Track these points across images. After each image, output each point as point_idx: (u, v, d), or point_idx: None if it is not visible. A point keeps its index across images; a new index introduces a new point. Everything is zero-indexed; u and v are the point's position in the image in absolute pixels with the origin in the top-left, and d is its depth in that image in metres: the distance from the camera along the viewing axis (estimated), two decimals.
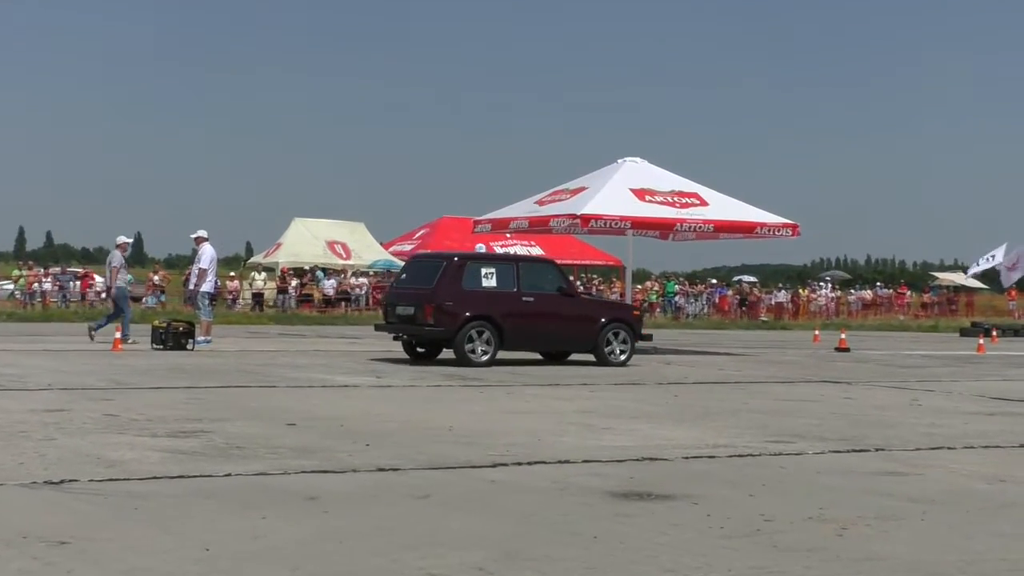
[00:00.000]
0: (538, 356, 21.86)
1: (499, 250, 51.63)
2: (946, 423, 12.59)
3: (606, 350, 21.30)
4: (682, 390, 16.21)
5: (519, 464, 8.71)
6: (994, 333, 40.27)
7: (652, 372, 19.60)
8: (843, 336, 30.33)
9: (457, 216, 56.38)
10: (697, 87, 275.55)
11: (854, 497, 7.74)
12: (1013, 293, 66.15)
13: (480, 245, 31.18)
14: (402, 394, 14.49)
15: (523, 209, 27.65)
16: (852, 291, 64.35)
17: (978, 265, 49.37)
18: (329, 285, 47.67)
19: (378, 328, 22.14)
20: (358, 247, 53.32)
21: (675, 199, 26.34)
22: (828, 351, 28.56)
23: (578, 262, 59.82)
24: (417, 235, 59.13)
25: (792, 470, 8.88)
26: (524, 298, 20.71)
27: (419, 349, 21.43)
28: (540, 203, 27.38)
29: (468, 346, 20.00)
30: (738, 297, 56.83)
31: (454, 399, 14.04)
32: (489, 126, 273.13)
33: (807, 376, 19.62)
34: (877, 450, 10.18)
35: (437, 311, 20.06)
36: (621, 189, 26.16)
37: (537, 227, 27.58)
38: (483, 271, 20.68)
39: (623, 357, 21.38)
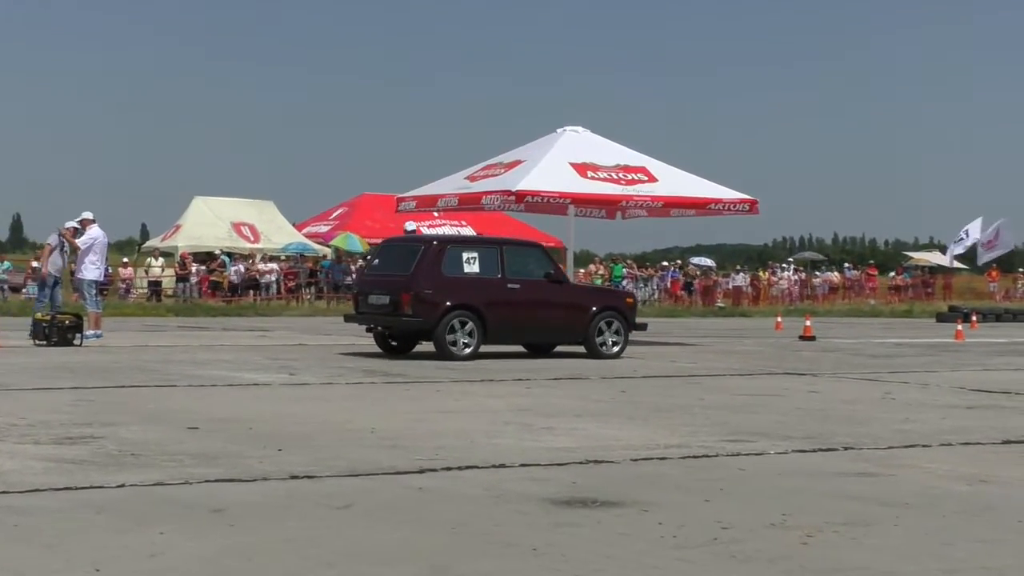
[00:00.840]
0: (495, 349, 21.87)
1: (426, 231, 51.51)
2: (921, 418, 12.73)
3: (598, 342, 21.53)
4: (630, 385, 16.28)
5: (449, 469, 8.71)
6: (974, 318, 40.73)
7: (597, 365, 19.66)
8: (808, 323, 30.56)
9: (379, 193, 56.34)
10: (642, 52, 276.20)
11: (821, 501, 7.81)
12: (994, 273, 67.07)
13: (411, 223, 30.94)
14: (319, 393, 14.43)
15: (452, 185, 27.60)
16: (817, 273, 64.86)
17: (955, 245, 49.90)
18: (235, 271, 47.36)
19: (348, 319, 22.30)
20: (267, 229, 53.04)
21: (620, 175, 26.39)
22: (791, 340, 28.79)
23: None
24: (334, 215, 59.00)
25: (752, 472, 8.95)
26: (509, 285, 20.92)
27: (392, 343, 21.53)
28: (471, 178, 27.34)
29: (450, 338, 20.17)
30: (685, 280, 56.85)
31: (376, 397, 14.01)
32: (414, 94, 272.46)
33: (768, 368, 19.77)
34: (846, 449, 10.28)
35: (415, 300, 20.18)
36: (561, 163, 26.17)
37: (468, 205, 27.54)
38: (465, 256, 20.82)
39: (616, 349, 21.64)
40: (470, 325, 20.29)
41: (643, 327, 22.94)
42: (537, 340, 21.95)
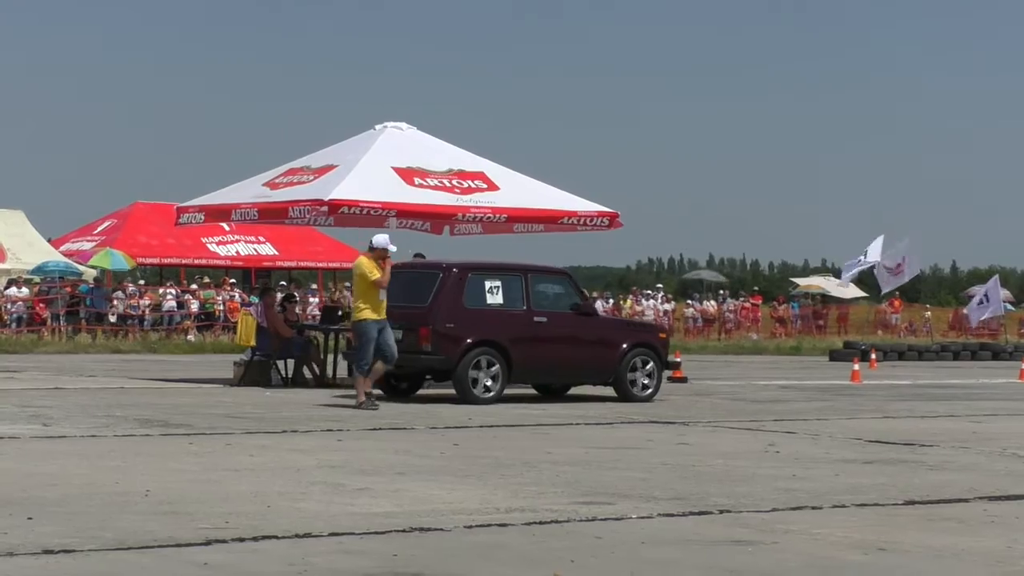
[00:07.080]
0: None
1: (215, 247, 51.36)
2: (811, 475, 12.95)
3: (629, 380, 22.64)
4: (464, 436, 16.30)
5: (242, 540, 8.66)
6: (872, 356, 41.51)
7: (423, 412, 19.63)
8: (678, 361, 30.87)
9: (154, 202, 55.89)
10: (478, 38, 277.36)
11: (691, 575, 7.90)
12: (896, 303, 68.42)
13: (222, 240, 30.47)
14: (80, 447, 14.23)
15: (249, 193, 27.32)
16: (689, 302, 65.45)
17: (849, 271, 50.81)
18: None
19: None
20: (16, 245, 52.04)
21: (454, 182, 26.41)
22: None
23: (323, 264, 59.73)
24: (100, 228, 58.28)
25: (610, 540, 9.02)
26: (536, 318, 22.12)
27: (402, 384, 22.56)
28: (272, 185, 27.09)
29: (472, 378, 21.18)
30: None
31: (152, 453, 13.85)
32: (193, 80, 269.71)
33: (630, 415, 19.93)
34: (721, 512, 10.42)
35: (435, 335, 21.13)
36: (382, 168, 26.14)
37: (272, 218, 27.40)
38: (487, 285, 21.97)
39: (649, 391, 22.96)
40: (494, 364, 21.41)
41: (676, 366, 24.85)
42: (564, 380, 23.52)
